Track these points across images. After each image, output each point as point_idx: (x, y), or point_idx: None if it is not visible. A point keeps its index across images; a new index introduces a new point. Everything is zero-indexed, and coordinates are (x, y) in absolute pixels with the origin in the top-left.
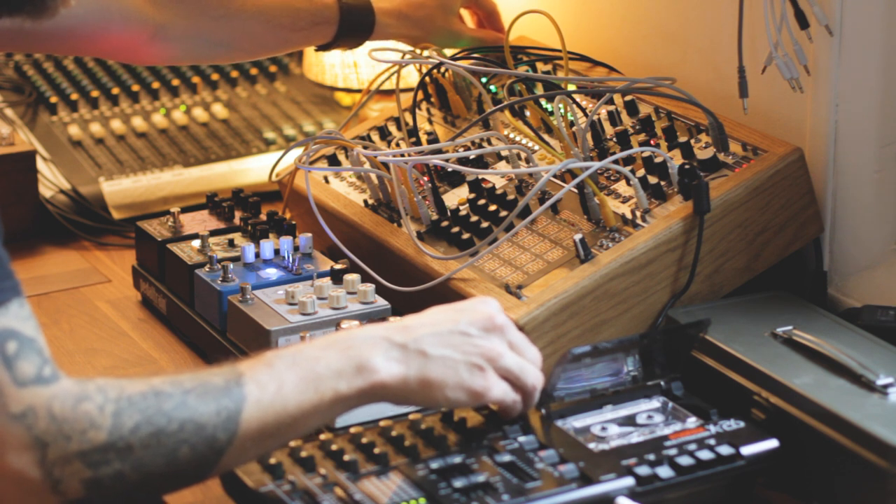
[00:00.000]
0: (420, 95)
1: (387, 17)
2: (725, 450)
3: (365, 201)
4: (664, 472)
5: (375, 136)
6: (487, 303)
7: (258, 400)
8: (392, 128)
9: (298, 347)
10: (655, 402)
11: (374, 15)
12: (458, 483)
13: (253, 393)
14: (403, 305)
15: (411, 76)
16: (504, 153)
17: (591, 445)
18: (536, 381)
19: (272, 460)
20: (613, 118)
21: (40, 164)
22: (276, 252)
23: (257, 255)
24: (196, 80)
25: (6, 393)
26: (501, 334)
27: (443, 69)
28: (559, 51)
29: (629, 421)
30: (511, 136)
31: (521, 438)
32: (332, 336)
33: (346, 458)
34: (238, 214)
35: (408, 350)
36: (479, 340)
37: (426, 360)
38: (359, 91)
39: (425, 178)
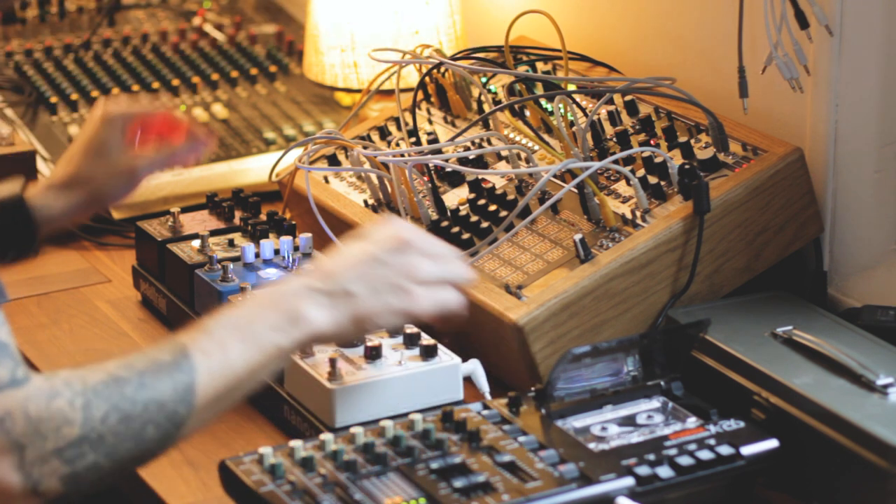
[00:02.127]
0: (420, 95)
1: (41, 197)
2: (725, 450)
3: (365, 201)
4: (664, 472)
5: (375, 136)
6: (389, 224)
7: (208, 368)
8: (392, 128)
9: (232, 311)
10: (655, 402)
11: (26, 207)
12: (458, 483)
13: (202, 363)
14: None
15: (411, 76)
16: (504, 153)
17: (591, 445)
18: (462, 273)
19: (272, 460)
20: (613, 118)
21: (40, 164)
22: (276, 252)
23: (257, 255)
24: (196, 80)
25: None
26: (412, 249)
27: (443, 69)
28: (559, 51)
29: (629, 421)
30: (511, 136)
31: (521, 438)
32: (261, 294)
33: (346, 458)
34: (238, 214)
35: (333, 294)
36: (394, 263)
37: (352, 299)
38: (359, 91)
39: (425, 178)
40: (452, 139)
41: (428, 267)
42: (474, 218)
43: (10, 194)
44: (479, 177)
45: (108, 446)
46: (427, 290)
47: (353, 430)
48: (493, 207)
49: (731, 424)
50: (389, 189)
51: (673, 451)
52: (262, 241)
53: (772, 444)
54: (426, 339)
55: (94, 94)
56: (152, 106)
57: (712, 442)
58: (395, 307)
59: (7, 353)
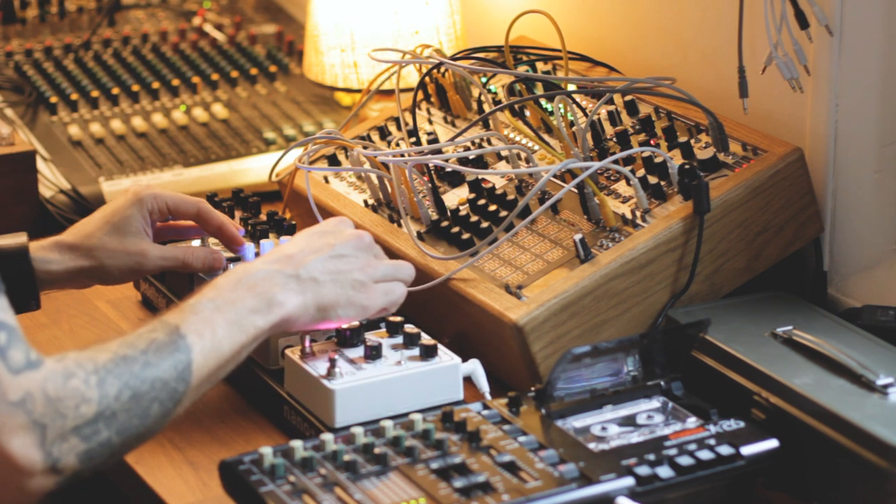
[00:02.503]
0: (420, 95)
1: (46, 251)
2: (725, 450)
3: (365, 201)
4: (664, 472)
5: (375, 136)
6: (345, 223)
7: (202, 348)
8: (392, 128)
9: (212, 292)
10: (655, 402)
11: (29, 259)
12: (458, 483)
13: (196, 342)
14: (403, 305)
15: (411, 76)
16: (504, 153)
17: (591, 445)
18: (410, 270)
19: (272, 460)
20: (613, 118)
21: (40, 164)
22: None
23: (257, 254)
24: (196, 80)
25: (4, 382)
26: (368, 248)
27: (443, 69)
28: (559, 51)
29: (629, 421)
30: (511, 136)
31: (521, 438)
32: (233, 276)
33: (346, 458)
34: (238, 214)
35: (301, 280)
36: (354, 260)
37: (318, 286)
38: (359, 91)
39: (425, 178)
40: (452, 139)
41: (382, 265)
42: (474, 218)
43: (15, 245)
44: (479, 177)
45: (119, 423)
46: (381, 287)
47: (353, 430)
48: (493, 207)
49: (731, 424)
50: (389, 189)
51: (673, 451)
52: (262, 241)
53: (772, 444)
54: (426, 339)
55: (95, 94)
56: (185, 198)
57: (712, 442)
58: (355, 300)
59: (18, 337)
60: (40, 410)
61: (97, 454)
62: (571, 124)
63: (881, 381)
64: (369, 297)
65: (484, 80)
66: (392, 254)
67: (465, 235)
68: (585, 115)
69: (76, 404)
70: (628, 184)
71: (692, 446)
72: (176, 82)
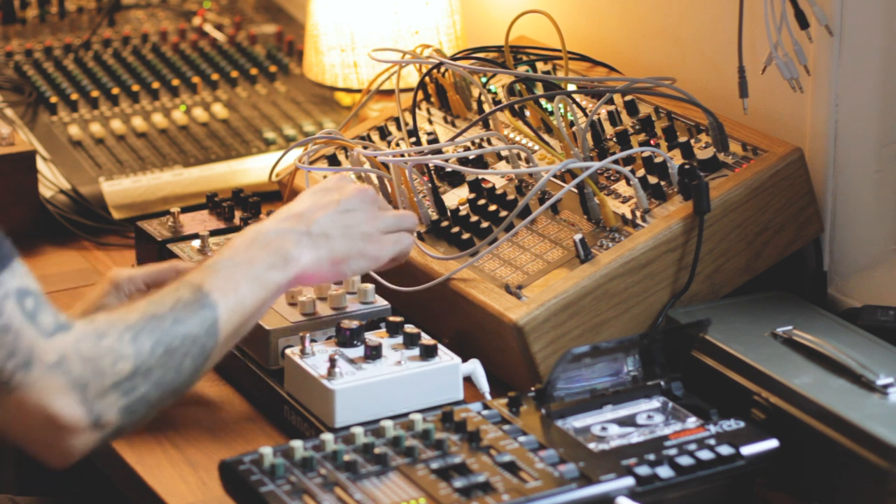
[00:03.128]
0: (420, 95)
1: None
2: (725, 450)
3: None
4: (664, 472)
5: (375, 136)
6: (346, 179)
7: (226, 304)
8: (392, 128)
9: (229, 252)
10: (655, 402)
11: None
12: (458, 483)
13: (220, 299)
14: (403, 305)
15: (411, 76)
16: (504, 153)
17: (591, 445)
18: (414, 219)
19: (272, 460)
20: (613, 118)
21: (40, 164)
22: None
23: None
24: (196, 80)
25: (38, 346)
26: (373, 201)
27: (443, 69)
28: (559, 51)
29: (629, 421)
30: (511, 136)
31: (521, 438)
32: (247, 236)
33: (346, 458)
34: (238, 214)
35: (313, 235)
36: (361, 213)
37: (330, 241)
38: (359, 91)
39: (425, 178)
40: (452, 139)
41: (387, 216)
42: (474, 218)
43: None
44: (479, 177)
45: (155, 378)
46: (390, 237)
47: (353, 430)
48: (493, 207)
49: (731, 424)
50: (389, 189)
51: (673, 451)
52: None
53: (772, 444)
54: (426, 339)
55: (94, 94)
56: (159, 267)
57: (712, 442)
58: (366, 252)
59: (44, 301)
60: (79, 370)
61: (136, 409)
62: (571, 124)
63: (881, 381)
64: (380, 247)
65: (484, 80)
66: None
67: (465, 235)
68: (585, 115)
69: (113, 361)
70: (628, 184)
71: (692, 446)
72: (176, 82)
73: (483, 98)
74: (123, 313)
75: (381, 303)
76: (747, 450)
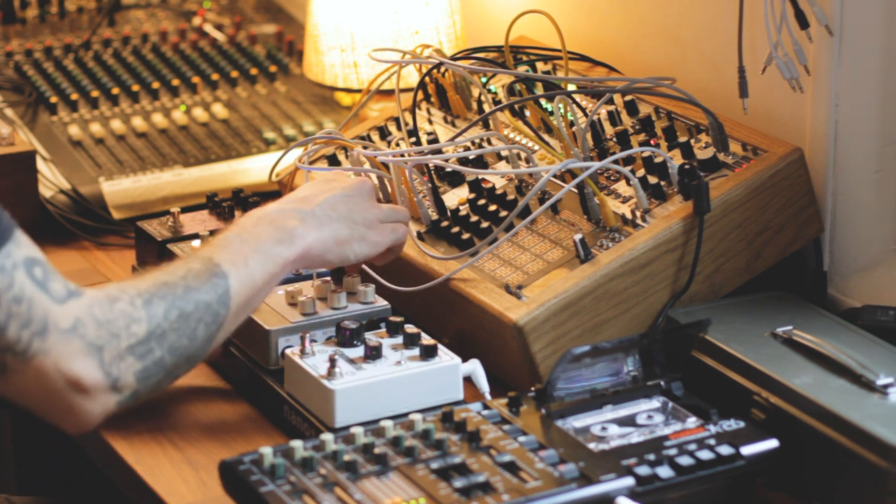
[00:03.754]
0: (420, 95)
1: None
2: (725, 450)
3: None
4: (664, 472)
5: (375, 136)
6: (343, 175)
7: (237, 276)
8: (392, 128)
9: (236, 229)
10: (655, 402)
11: None
12: (458, 483)
13: (231, 270)
14: (403, 305)
15: (411, 76)
16: (504, 153)
17: (591, 445)
18: (407, 213)
19: (272, 460)
20: (613, 118)
21: (40, 164)
22: None
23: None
24: (196, 80)
25: (52, 312)
26: (371, 193)
27: (443, 69)
28: (559, 51)
29: (629, 421)
30: (511, 136)
31: (521, 438)
32: (253, 215)
33: (346, 458)
34: (238, 214)
35: (317, 216)
36: (361, 201)
37: (334, 222)
38: (359, 91)
39: (425, 178)
40: (452, 139)
41: (386, 207)
42: (474, 218)
43: None
44: (479, 177)
45: (170, 342)
46: (388, 226)
47: (353, 430)
48: (493, 207)
49: (731, 424)
50: (389, 189)
51: (673, 451)
52: None
53: (772, 444)
54: (426, 339)
55: (94, 94)
56: None
57: (712, 442)
58: (368, 237)
59: (52, 270)
60: (94, 333)
61: (152, 373)
62: (571, 124)
63: (881, 381)
64: (380, 234)
65: (484, 80)
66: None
67: (465, 235)
68: (585, 115)
69: (126, 324)
70: (628, 184)
71: (692, 446)
72: (176, 82)
73: (483, 98)
74: (134, 281)
75: (381, 303)
76: (747, 450)
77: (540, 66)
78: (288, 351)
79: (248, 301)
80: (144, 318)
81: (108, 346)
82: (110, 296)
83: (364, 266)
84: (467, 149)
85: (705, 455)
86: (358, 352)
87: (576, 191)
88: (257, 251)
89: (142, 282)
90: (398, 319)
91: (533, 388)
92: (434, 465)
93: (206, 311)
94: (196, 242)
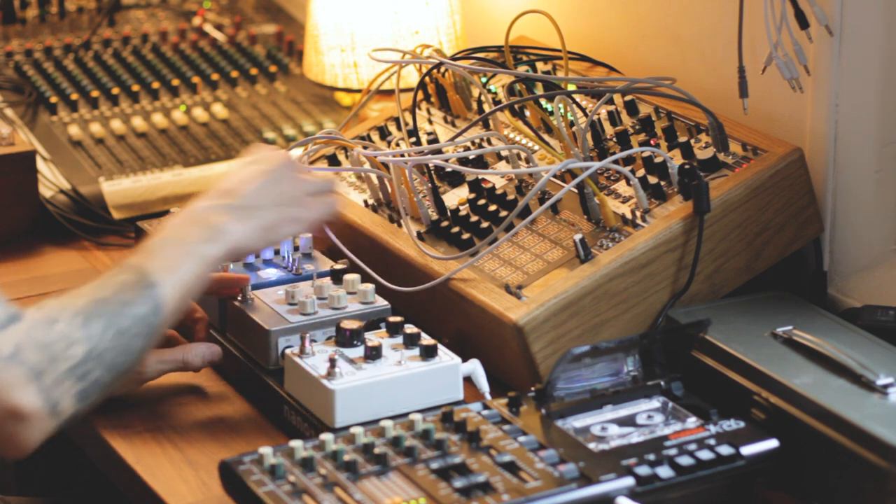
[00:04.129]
0: (420, 95)
1: None
2: (725, 450)
3: (365, 201)
4: (664, 472)
5: (375, 136)
6: (265, 148)
7: (170, 282)
8: (392, 128)
9: (163, 233)
10: (655, 402)
11: None
12: (458, 483)
13: (163, 278)
14: (403, 305)
15: (411, 76)
16: (504, 153)
17: (591, 445)
18: (330, 182)
19: (272, 460)
20: (613, 118)
21: (40, 164)
22: (276, 252)
23: (257, 255)
24: (196, 80)
25: None
26: (295, 167)
27: (443, 69)
28: (559, 51)
29: (629, 421)
30: (511, 136)
31: (521, 438)
32: (179, 217)
33: (346, 458)
34: None
35: (243, 208)
36: (285, 179)
37: (260, 210)
38: (359, 91)
39: (425, 178)
40: (452, 139)
41: (310, 180)
42: (474, 218)
43: None
44: (479, 177)
45: (107, 360)
46: (316, 199)
47: (353, 430)
48: (493, 207)
49: (731, 424)
50: (389, 189)
51: (673, 451)
52: None
53: (772, 444)
54: (426, 339)
55: (94, 94)
56: None
57: (712, 442)
58: (296, 216)
59: None
60: (34, 358)
61: (90, 393)
62: (571, 124)
63: (881, 381)
64: (309, 210)
65: (484, 80)
66: (393, 253)
67: (465, 235)
68: (585, 115)
69: (66, 346)
70: (628, 184)
71: (692, 446)
72: (176, 82)
73: (483, 98)
74: (71, 298)
75: (381, 303)
76: (747, 450)
77: (540, 66)
78: (288, 351)
79: (179, 305)
80: (83, 338)
81: (48, 371)
82: (49, 317)
83: (364, 266)
84: (467, 149)
85: (705, 455)
86: (358, 352)
87: (576, 191)
88: (187, 254)
89: (79, 298)
90: (398, 319)
91: (533, 388)
92: (434, 465)
93: (142, 325)
94: None
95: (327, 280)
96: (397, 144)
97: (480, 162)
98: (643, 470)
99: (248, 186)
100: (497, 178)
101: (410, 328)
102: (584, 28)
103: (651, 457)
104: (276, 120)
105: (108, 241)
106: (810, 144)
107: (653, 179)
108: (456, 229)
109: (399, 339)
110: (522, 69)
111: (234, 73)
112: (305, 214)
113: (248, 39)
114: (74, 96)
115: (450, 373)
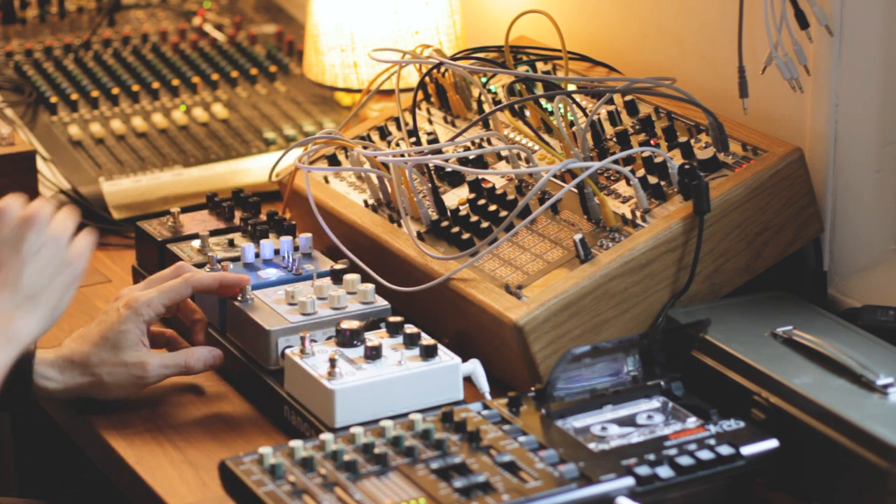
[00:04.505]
0: (420, 95)
1: (48, 367)
2: (725, 450)
3: (365, 201)
4: (664, 472)
5: (375, 136)
6: (5, 213)
7: None
8: (392, 128)
9: None
10: (655, 402)
11: (31, 369)
12: (458, 483)
13: None
14: (403, 305)
15: (411, 76)
16: (504, 153)
17: (591, 445)
18: (71, 219)
19: (272, 460)
20: (613, 118)
21: (40, 164)
22: (276, 252)
23: (257, 255)
24: (196, 80)
25: None
26: (42, 223)
27: (443, 69)
28: (559, 51)
29: (629, 421)
30: (511, 136)
31: (521, 438)
32: None
33: (346, 458)
34: (238, 214)
35: (26, 297)
36: (44, 247)
37: (42, 293)
38: (359, 91)
39: (425, 178)
40: (452, 139)
41: (56, 228)
42: (474, 218)
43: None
44: (479, 177)
45: None
46: (74, 246)
47: (353, 430)
48: (493, 207)
49: (731, 424)
50: (389, 189)
51: (673, 451)
52: (262, 241)
53: (772, 444)
54: (426, 339)
55: (95, 94)
56: (171, 285)
57: (712, 442)
58: (70, 280)
59: None
60: None
61: None
62: (571, 124)
63: (881, 381)
64: (75, 264)
65: (484, 80)
66: (393, 253)
67: (465, 235)
68: (585, 115)
69: None
70: (628, 184)
71: (692, 446)
72: (176, 82)
73: (483, 98)
74: None
75: (381, 303)
76: (747, 450)
77: (540, 66)
78: (288, 351)
79: None
80: None
81: None
82: None
83: (364, 266)
84: (467, 149)
85: (705, 455)
86: (358, 352)
87: (576, 191)
88: None
89: None
90: (398, 319)
91: (533, 388)
92: (434, 465)
93: None
94: (196, 242)
95: (327, 280)
96: (397, 144)
97: (480, 162)
98: (643, 470)
99: (21, 273)
100: (497, 178)
101: (410, 328)
102: (584, 28)
103: (651, 457)
104: (276, 120)
105: (108, 241)
106: (810, 144)
107: (653, 179)
108: (456, 229)
109: (399, 340)
110: (522, 69)
111: (234, 73)
112: (76, 271)
113: (248, 39)
114: (74, 96)
115: (450, 373)
